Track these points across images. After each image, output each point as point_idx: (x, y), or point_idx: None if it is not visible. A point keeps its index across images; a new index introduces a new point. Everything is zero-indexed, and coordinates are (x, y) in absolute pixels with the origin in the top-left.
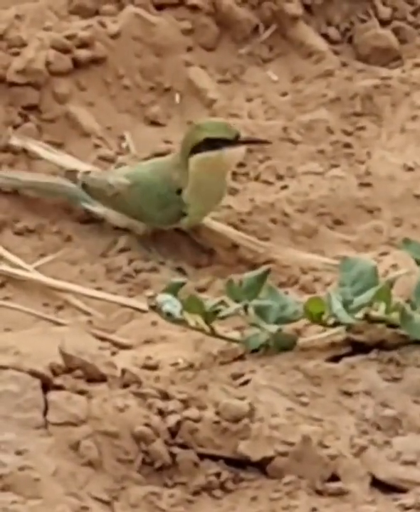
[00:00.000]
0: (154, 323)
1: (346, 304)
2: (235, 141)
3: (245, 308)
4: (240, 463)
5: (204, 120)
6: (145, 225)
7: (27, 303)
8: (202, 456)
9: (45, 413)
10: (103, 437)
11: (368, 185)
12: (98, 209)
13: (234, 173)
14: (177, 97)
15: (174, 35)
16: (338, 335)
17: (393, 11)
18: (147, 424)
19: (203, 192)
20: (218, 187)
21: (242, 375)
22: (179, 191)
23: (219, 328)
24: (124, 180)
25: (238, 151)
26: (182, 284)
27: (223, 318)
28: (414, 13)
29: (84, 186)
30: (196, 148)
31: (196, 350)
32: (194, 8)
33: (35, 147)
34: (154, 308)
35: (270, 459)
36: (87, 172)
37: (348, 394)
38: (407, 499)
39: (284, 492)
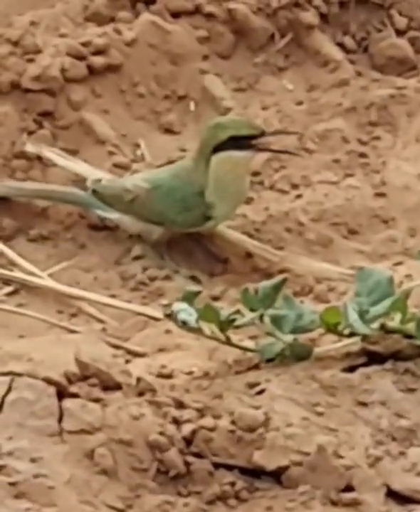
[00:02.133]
0: (168, 331)
1: (362, 314)
2: (262, 136)
3: (261, 317)
4: (255, 472)
5: (225, 118)
6: (161, 230)
7: (41, 310)
8: (217, 466)
9: (60, 421)
10: (118, 445)
11: (383, 195)
12: (111, 215)
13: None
14: (192, 105)
15: (190, 43)
16: (354, 345)
17: (409, 20)
18: (161, 433)
19: (226, 191)
20: (241, 185)
21: (257, 384)
22: (201, 193)
23: (234, 337)
24: (143, 184)
25: (254, 154)
26: (198, 293)
27: (238, 327)
28: None
29: (95, 193)
30: (220, 147)
31: (210, 358)
32: (210, 16)
33: (50, 154)
34: (170, 316)
35: (285, 468)
36: (98, 180)
37: (363, 404)
38: None
39: (299, 502)
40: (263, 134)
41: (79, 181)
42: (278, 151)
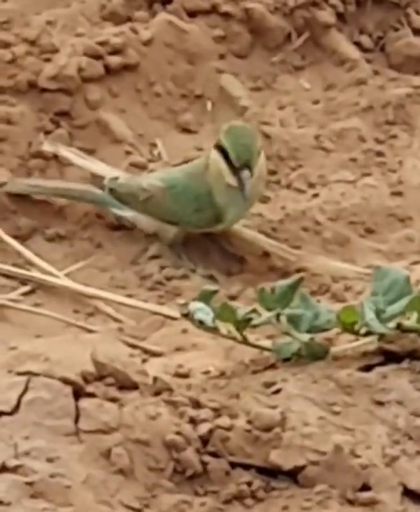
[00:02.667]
0: (184, 331)
1: (378, 314)
2: (237, 170)
3: (278, 316)
4: (271, 472)
5: (239, 128)
6: (176, 229)
7: (57, 309)
8: (233, 465)
9: (76, 420)
10: (134, 445)
11: (400, 194)
12: (127, 213)
13: (266, 181)
14: (209, 105)
15: (207, 43)
16: (370, 344)
17: None
18: (178, 433)
19: (219, 188)
20: (224, 186)
21: (274, 383)
22: (211, 192)
23: (251, 336)
24: (158, 183)
25: (233, 182)
26: (215, 292)
27: (255, 326)
28: None
29: (111, 191)
30: (217, 147)
31: (227, 358)
32: (227, 15)
33: (67, 153)
34: (186, 315)
35: (302, 468)
36: (115, 178)
37: (380, 403)
38: None
39: (315, 501)
40: (240, 168)
41: (96, 179)
42: (238, 181)
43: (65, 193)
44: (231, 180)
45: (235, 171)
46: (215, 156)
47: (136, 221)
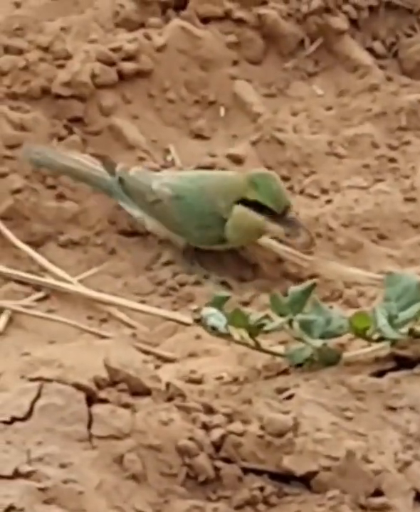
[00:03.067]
0: (198, 337)
1: (391, 319)
2: (279, 216)
3: (290, 322)
4: (284, 477)
5: (262, 176)
6: (182, 239)
7: (71, 315)
8: (246, 470)
9: (89, 426)
10: (147, 451)
11: (413, 200)
12: (135, 212)
13: None
14: (222, 111)
15: (220, 49)
16: (383, 350)
17: None
18: (190, 438)
19: (242, 237)
20: (255, 236)
21: (286, 389)
22: (224, 219)
23: (264, 342)
24: (166, 189)
25: (279, 230)
26: (227, 298)
27: (267, 332)
28: None
29: (120, 181)
30: (243, 202)
31: (240, 364)
32: (240, 21)
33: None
34: (199, 321)
35: (314, 473)
36: (127, 168)
37: (392, 409)
38: None
39: (328, 507)
40: (284, 211)
41: (109, 164)
42: (292, 223)
43: (74, 174)
44: (276, 229)
45: (276, 218)
46: (242, 210)
47: (143, 222)
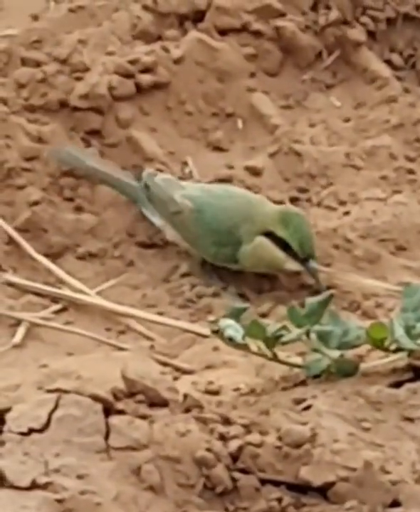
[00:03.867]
0: (215, 349)
1: (408, 330)
2: (301, 260)
3: (307, 333)
4: (301, 488)
5: (296, 216)
6: (198, 253)
7: (89, 327)
8: (263, 481)
9: (106, 437)
10: (165, 462)
11: None
12: (157, 220)
13: (297, 199)
14: (240, 123)
15: (237, 61)
16: (400, 360)
17: None
18: (208, 449)
19: (255, 265)
20: (268, 269)
21: (304, 400)
22: (239, 242)
23: (281, 353)
24: (187, 201)
25: (297, 268)
26: (244, 310)
27: (285, 343)
28: None
29: (146, 188)
30: (269, 235)
31: (257, 375)
32: (258, 33)
33: None
34: (217, 333)
35: (332, 484)
36: (154, 174)
37: (410, 420)
38: None
39: None
40: (306, 259)
41: (137, 168)
42: (310, 272)
43: (100, 176)
44: (293, 266)
45: (297, 259)
46: (265, 243)
47: (164, 231)
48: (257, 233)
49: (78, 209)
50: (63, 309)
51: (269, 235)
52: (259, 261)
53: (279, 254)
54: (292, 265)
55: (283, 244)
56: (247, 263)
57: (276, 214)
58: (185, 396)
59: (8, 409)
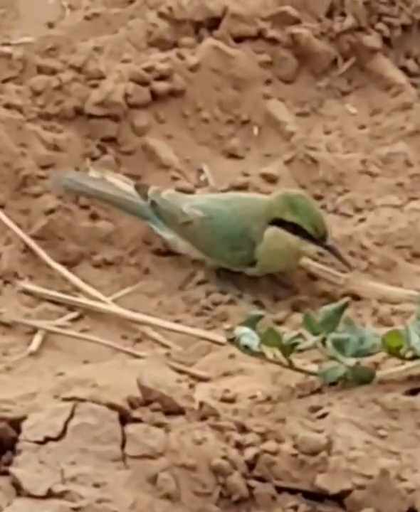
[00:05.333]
0: (232, 356)
1: None
2: (317, 241)
3: (323, 341)
4: (318, 496)
5: (302, 198)
6: (212, 261)
7: (105, 335)
8: (280, 489)
9: (122, 446)
10: (181, 470)
11: None
12: (167, 235)
13: None
14: (255, 130)
15: (253, 68)
16: (416, 368)
17: None
18: (224, 457)
19: (274, 259)
20: (288, 261)
21: (320, 408)
22: (254, 243)
23: (297, 361)
24: (198, 211)
25: (315, 249)
26: (260, 317)
27: (301, 351)
28: None
29: (153, 204)
30: (279, 222)
31: (273, 383)
32: (273, 40)
33: (113, 179)
34: (232, 340)
35: (348, 492)
36: (159, 191)
37: None
38: None
39: None
40: (323, 238)
41: (141, 187)
42: (330, 250)
43: (107, 199)
44: (312, 248)
45: (313, 242)
46: (277, 232)
47: (175, 244)
48: (267, 226)
49: (94, 217)
50: (79, 317)
51: (278, 223)
52: (276, 254)
53: (293, 239)
54: (311, 247)
55: (295, 229)
56: (264, 261)
57: (280, 200)
58: (201, 404)
59: (24, 418)
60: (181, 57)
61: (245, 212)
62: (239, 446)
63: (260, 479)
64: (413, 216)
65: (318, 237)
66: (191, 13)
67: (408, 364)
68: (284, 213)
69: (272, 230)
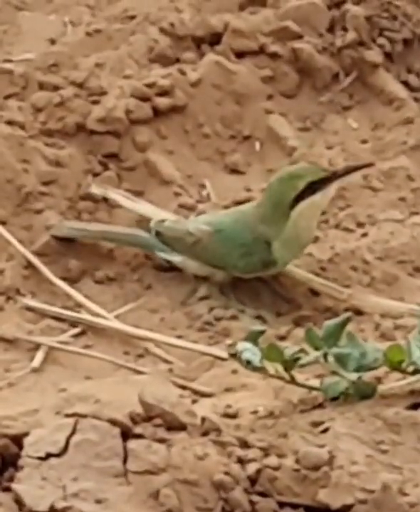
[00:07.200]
0: (234, 371)
1: None
2: (335, 177)
3: (325, 356)
4: (320, 511)
5: (294, 167)
6: (223, 274)
7: (107, 351)
8: (282, 504)
9: (124, 461)
10: (183, 486)
11: None
12: (175, 258)
13: None
14: (257, 145)
15: (254, 83)
16: (418, 382)
17: None
18: (226, 473)
19: (299, 240)
20: (312, 231)
21: (322, 422)
22: (267, 242)
23: (299, 375)
24: (205, 227)
25: (333, 188)
26: (262, 332)
27: (303, 366)
28: None
29: (158, 234)
30: (300, 197)
31: (276, 398)
32: (274, 55)
33: (116, 195)
34: (234, 356)
35: (350, 506)
36: (162, 221)
37: None
38: None
39: None
40: (335, 173)
41: (143, 222)
42: (355, 168)
43: (112, 237)
44: (333, 188)
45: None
46: (303, 206)
47: (184, 265)
48: (286, 213)
49: None
50: (82, 333)
51: (298, 198)
52: (305, 227)
53: (318, 197)
54: (330, 189)
55: (311, 188)
56: (286, 250)
57: (283, 183)
58: (203, 419)
59: (26, 434)
60: (182, 72)
61: (246, 218)
62: (241, 461)
63: (262, 494)
64: (416, 230)
65: (332, 175)
66: (192, 29)
67: (410, 378)
68: (296, 187)
69: (299, 208)
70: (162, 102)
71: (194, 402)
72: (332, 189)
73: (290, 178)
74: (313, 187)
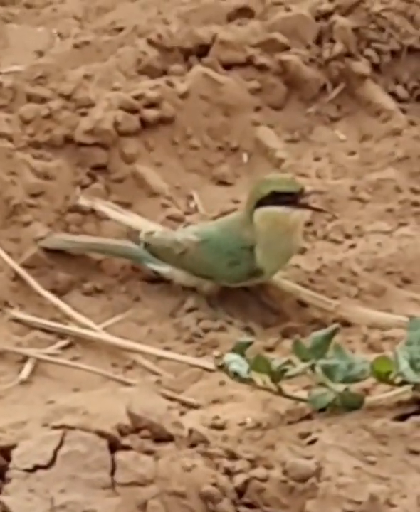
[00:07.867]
0: (222, 383)
1: (413, 363)
2: (299, 196)
3: (313, 367)
4: None
5: (271, 174)
6: (211, 284)
7: (95, 363)
8: None
9: (112, 473)
10: (170, 497)
11: None
12: (163, 269)
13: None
14: (245, 157)
15: (242, 95)
16: (405, 394)
17: None
18: (214, 484)
19: (272, 247)
20: (285, 242)
21: (309, 434)
22: (251, 248)
23: (287, 387)
24: (192, 237)
25: (304, 213)
26: (249, 344)
27: (290, 377)
28: None
29: (147, 246)
30: (262, 202)
31: (263, 409)
32: (262, 67)
33: (103, 207)
34: (222, 367)
35: None
36: (151, 232)
37: (415, 452)
38: None
39: None
40: (302, 191)
41: (132, 234)
42: (314, 208)
43: (101, 249)
44: (300, 214)
45: (296, 204)
46: (261, 211)
47: (172, 276)
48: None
49: None
50: (70, 345)
51: (260, 203)
52: (272, 238)
53: (278, 209)
54: (296, 213)
55: (275, 197)
56: (266, 257)
57: (254, 187)
58: (190, 431)
59: (14, 446)
60: (170, 84)
61: (232, 225)
62: (229, 472)
63: (250, 506)
64: (403, 242)
65: (298, 191)
66: (180, 41)
67: (397, 390)
68: (260, 192)
69: (258, 212)
70: (150, 113)
71: (182, 413)
72: (298, 213)
73: (260, 183)
74: (277, 198)
